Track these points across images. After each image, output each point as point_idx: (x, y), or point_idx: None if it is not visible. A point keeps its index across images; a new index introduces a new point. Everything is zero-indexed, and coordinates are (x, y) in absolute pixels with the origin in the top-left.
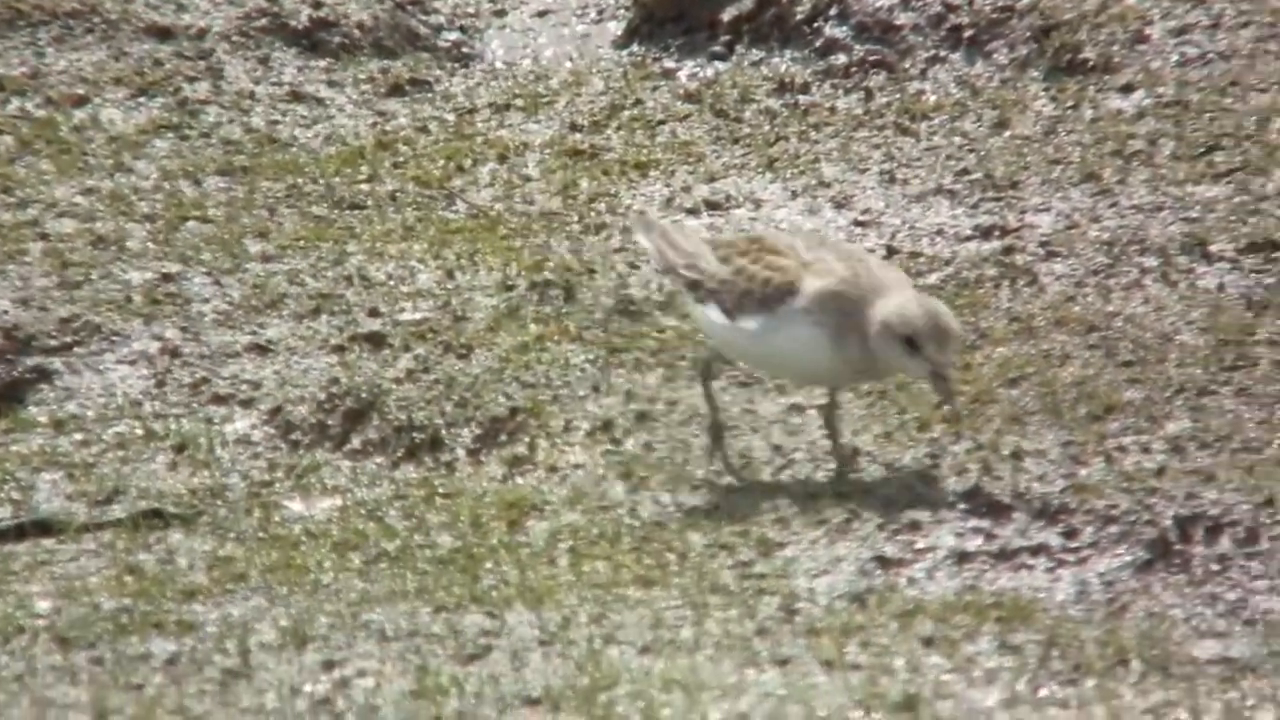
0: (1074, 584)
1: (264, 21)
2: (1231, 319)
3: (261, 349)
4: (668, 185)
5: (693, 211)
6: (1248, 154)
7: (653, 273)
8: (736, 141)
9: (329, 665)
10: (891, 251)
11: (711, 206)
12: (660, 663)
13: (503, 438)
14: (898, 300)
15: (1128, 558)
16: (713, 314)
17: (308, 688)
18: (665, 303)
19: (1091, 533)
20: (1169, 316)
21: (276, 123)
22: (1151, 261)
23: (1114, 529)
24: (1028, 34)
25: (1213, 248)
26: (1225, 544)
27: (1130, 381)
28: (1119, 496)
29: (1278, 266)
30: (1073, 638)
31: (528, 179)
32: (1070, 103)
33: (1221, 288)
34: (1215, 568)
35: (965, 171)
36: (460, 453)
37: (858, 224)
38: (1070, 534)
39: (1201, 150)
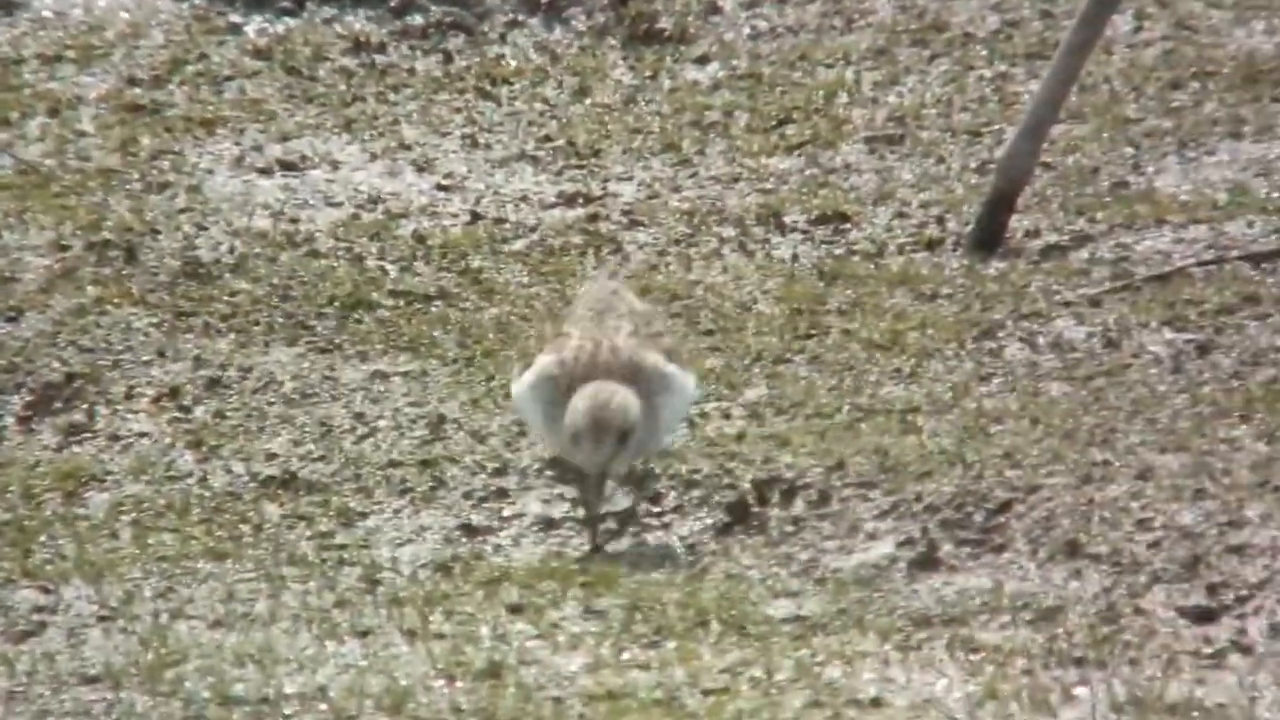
0: (658, 548)
1: None
2: (805, 289)
3: None
4: (238, 144)
5: (265, 171)
6: (817, 128)
7: (222, 234)
8: (311, 100)
9: None
10: (476, 218)
11: (286, 166)
12: (233, 637)
13: (58, 405)
14: (580, 392)
15: (709, 521)
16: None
17: None
18: (237, 265)
19: (675, 497)
20: (747, 286)
21: None
22: (730, 231)
23: (696, 493)
24: (605, 1)
25: (786, 219)
26: (799, 506)
27: (712, 350)
28: (701, 461)
29: (846, 237)
30: (655, 601)
31: (82, 134)
32: (649, 72)
33: (795, 258)
34: (790, 529)
35: (548, 138)
36: (9, 420)
37: (441, 188)
38: (654, 498)
39: (774, 123)
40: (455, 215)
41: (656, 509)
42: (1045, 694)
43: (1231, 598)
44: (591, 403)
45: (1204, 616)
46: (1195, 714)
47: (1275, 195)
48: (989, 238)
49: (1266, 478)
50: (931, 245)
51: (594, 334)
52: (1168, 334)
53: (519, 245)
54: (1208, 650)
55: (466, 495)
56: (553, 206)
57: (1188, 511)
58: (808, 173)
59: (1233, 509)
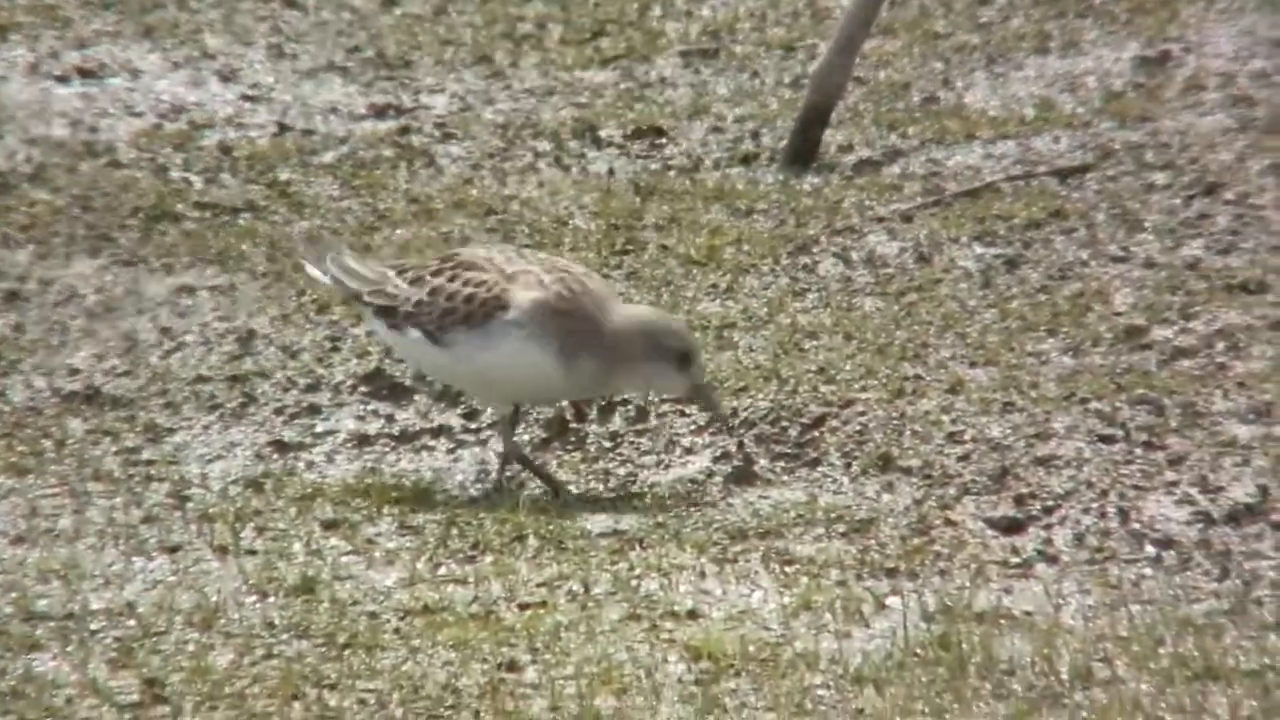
0: (475, 464)
1: None
2: (621, 204)
3: None
4: (33, 50)
5: (63, 79)
6: (631, 41)
7: (18, 143)
8: (108, 7)
9: None
10: (284, 129)
11: (84, 74)
12: (36, 553)
13: None
14: (648, 315)
15: (525, 437)
16: (413, 338)
17: None
18: (34, 175)
19: (491, 414)
20: (563, 200)
21: None
22: (545, 145)
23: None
24: None
25: (602, 133)
26: (617, 422)
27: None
28: None
29: (662, 152)
30: (472, 517)
31: None
32: None
33: (611, 172)
34: (608, 445)
35: (357, 49)
36: None
37: (246, 98)
38: (471, 415)
39: (588, 36)
40: (262, 126)
41: (474, 426)
42: (858, 604)
43: (1038, 508)
44: (680, 324)
45: (1012, 527)
46: (1003, 622)
47: (1081, 110)
48: (803, 153)
49: (1072, 390)
50: (747, 160)
51: (550, 270)
52: (977, 249)
53: (329, 158)
54: (1015, 560)
55: (278, 411)
56: (363, 119)
57: (996, 424)
58: (623, 86)
59: (1040, 421)
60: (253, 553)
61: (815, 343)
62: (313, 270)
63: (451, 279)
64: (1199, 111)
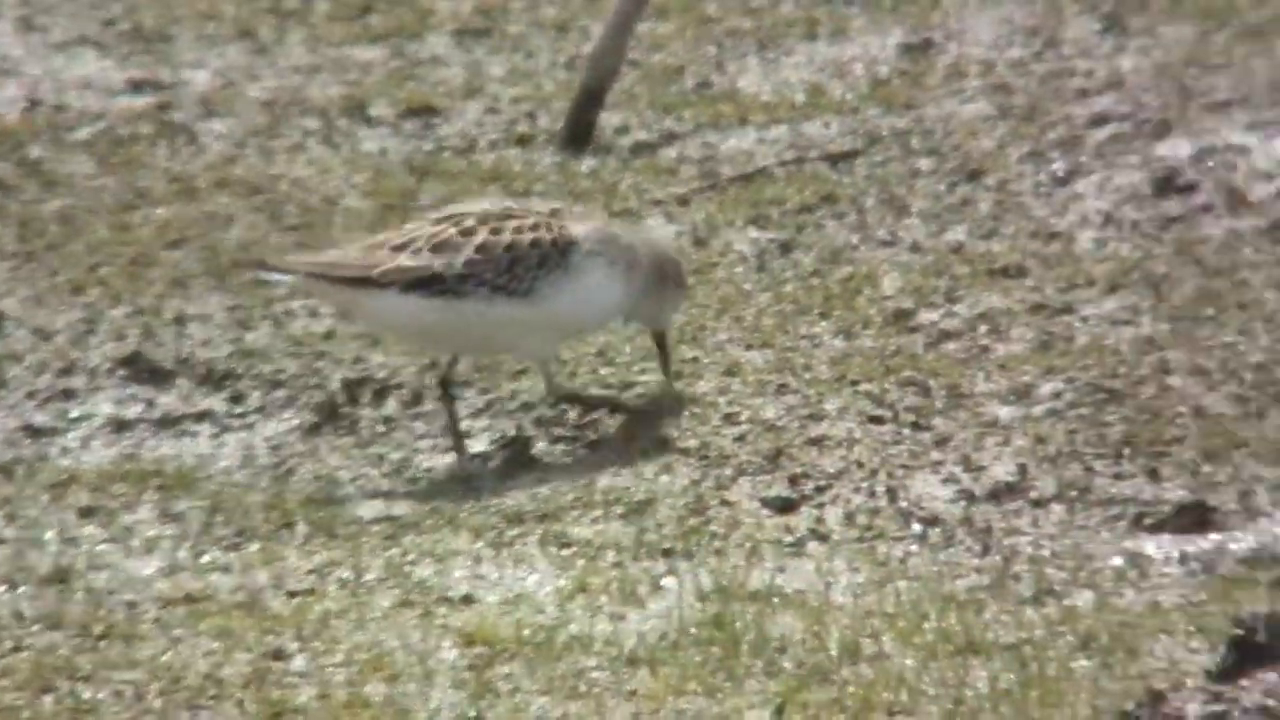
0: (240, 449)
1: None
2: (395, 183)
3: None
4: None
5: None
6: (401, 18)
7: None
8: None
9: None
10: (34, 104)
11: None
12: None
13: None
14: (662, 243)
15: (295, 422)
16: (476, 298)
17: None
18: None
19: (259, 398)
20: (333, 179)
21: None
22: (313, 124)
23: (281, 393)
24: None
25: (373, 111)
26: (392, 406)
27: (296, 245)
28: (287, 361)
29: (435, 132)
30: (238, 503)
31: None
32: None
33: (384, 151)
34: (381, 429)
35: (112, 22)
36: None
37: None
38: (237, 399)
39: (356, 12)
40: (11, 102)
41: (239, 410)
42: (634, 585)
43: (811, 488)
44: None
45: (785, 506)
46: (776, 600)
47: (850, 96)
48: (580, 134)
49: (844, 372)
50: (523, 141)
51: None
52: (752, 232)
53: (83, 134)
54: (788, 539)
55: (30, 395)
56: (120, 94)
57: (771, 406)
58: (393, 64)
59: (813, 403)
60: (3, 541)
61: None
62: (271, 275)
63: (495, 231)
64: (961, 99)
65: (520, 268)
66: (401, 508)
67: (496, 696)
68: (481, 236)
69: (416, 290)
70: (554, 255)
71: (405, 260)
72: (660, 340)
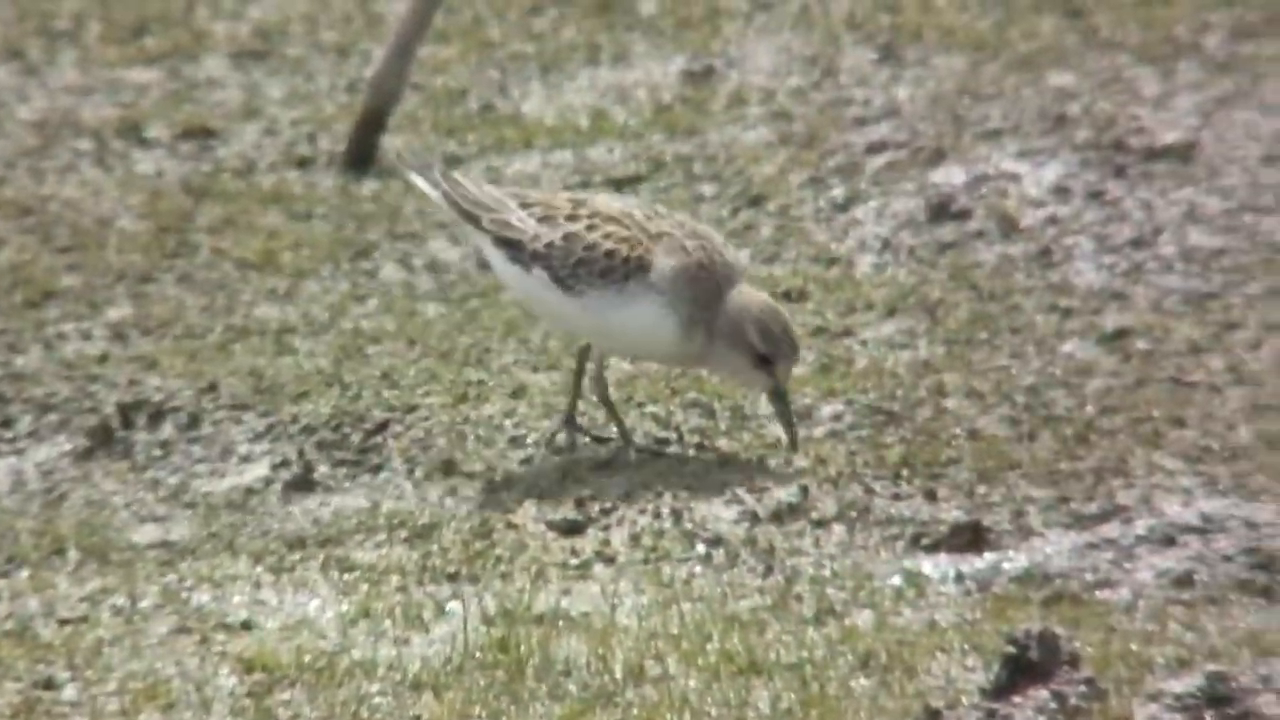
0: (9, 475)
1: None
2: (171, 205)
3: None
4: None
5: None
6: (178, 39)
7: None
8: None
9: None
10: None
11: None
12: None
13: None
14: (756, 306)
15: (67, 446)
16: (537, 277)
17: None
18: None
19: (29, 422)
20: (107, 201)
21: None
22: (86, 145)
23: (53, 417)
24: None
25: (148, 133)
26: (168, 429)
27: (69, 267)
28: (59, 384)
29: (213, 154)
30: (7, 529)
31: None
32: None
33: (160, 173)
34: (158, 453)
35: None
36: None
37: None
38: (6, 423)
39: (130, 34)
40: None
41: (9, 434)
42: (418, 609)
43: (597, 510)
44: (788, 321)
45: (571, 529)
46: (561, 622)
47: (633, 121)
48: (362, 157)
49: (630, 394)
50: (303, 163)
51: (692, 236)
52: None
53: None
54: (574, 561)
55: None
56: None
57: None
58: (169, 86)
59: (599, 425)
60: None
61: (378, 348)
62: (419, 180)
63: (590, 228)
64: (743, 125)
65: (583, 269)
66: (178, 532)
67: None
68: (575, 227)
69: (504, 248)
70: (617, 272)
71: (511, 219)
72: (774, 400)
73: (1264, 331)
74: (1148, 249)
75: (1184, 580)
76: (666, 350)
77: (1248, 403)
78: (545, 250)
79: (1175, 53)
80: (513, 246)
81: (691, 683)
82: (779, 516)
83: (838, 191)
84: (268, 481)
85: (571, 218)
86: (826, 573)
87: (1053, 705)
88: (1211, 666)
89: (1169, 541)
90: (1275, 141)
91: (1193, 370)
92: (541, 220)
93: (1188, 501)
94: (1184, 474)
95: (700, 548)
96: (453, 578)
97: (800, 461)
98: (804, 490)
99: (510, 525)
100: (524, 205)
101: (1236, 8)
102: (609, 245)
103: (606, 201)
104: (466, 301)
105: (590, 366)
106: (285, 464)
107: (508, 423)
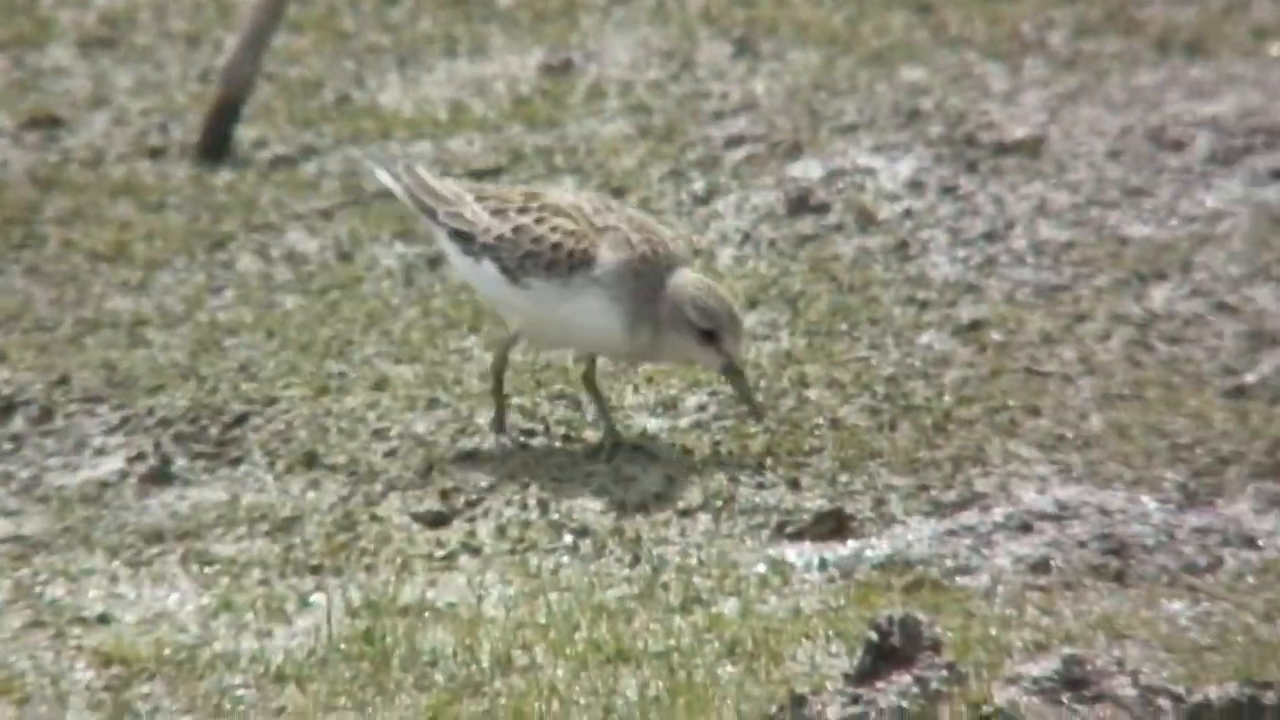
0: None
1: None
2: (17, 196)
3: None
4: None
5: None
6: (21, 27)
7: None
8: None
9: None
10: None
11: None
12: None
13: None
14: (692, 285)
15: None
16: (488, 270)
17: None
18: None
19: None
20: None
21: None
22: None
23: None
24: None
25: None
26: (19, 423)
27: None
28: None
29: (60, 144)
30: None
31: None
32: None
33: (4, 164)
34: (9, 447)
35: None
36: None
37: None
38: None
39: None
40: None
41: None
42: (281, 602)
43: (463, 502)
44: (728, 297)
45: (437, 521)
46: (427, 614)
47: (492, 114)
48: (215, 147)
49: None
50: (155, 153)
51: (639, 229)
52: (399, 247)
53: None
54: (440, 553)
55: None
56: None
57: (422, 420)
58: (14, 75)
59: (464, 417)
60: None
61: (235, 340)
62: (383, 175)
63: (538, 221)
64: (602, 118)
65: (530, 261)
66: (32, 526)
67: (135, 717)
68: (524, 220)
69: (457, 241)
70: (562, 265)
71: (465, 212)
72: (729, 376)
73: (1112, 322)
74: (1000, 242)
75: (1040, 566)
76: (613, 343)
77: (1099, 392)
78: (495, 242)
79: (1021, 49)
80: (464, 239)
81: (559, 672)
82: (645, 506)
83: (698, 184)
84: (123, 475)
85: (522, 210)
86: (693, 561)
87: (915, 690)
88: (1067, 650)
89: (1026, 528)
90: (1119, 137)
91: (1046, 360)
92: (494, 213)
93: (1043, 489)
94: (1039, 462)
95: (567, 538)
96: (316, 570)
97: (668, 450)
98: (669, 480)
99: (375, 518)
100: (479, 198)
101: (1079, 5)
102: (555, 238)
103: (559, 195)
104: (326, 293)
105: (500, 349)
106: (141, 457)
107: (371, 415)
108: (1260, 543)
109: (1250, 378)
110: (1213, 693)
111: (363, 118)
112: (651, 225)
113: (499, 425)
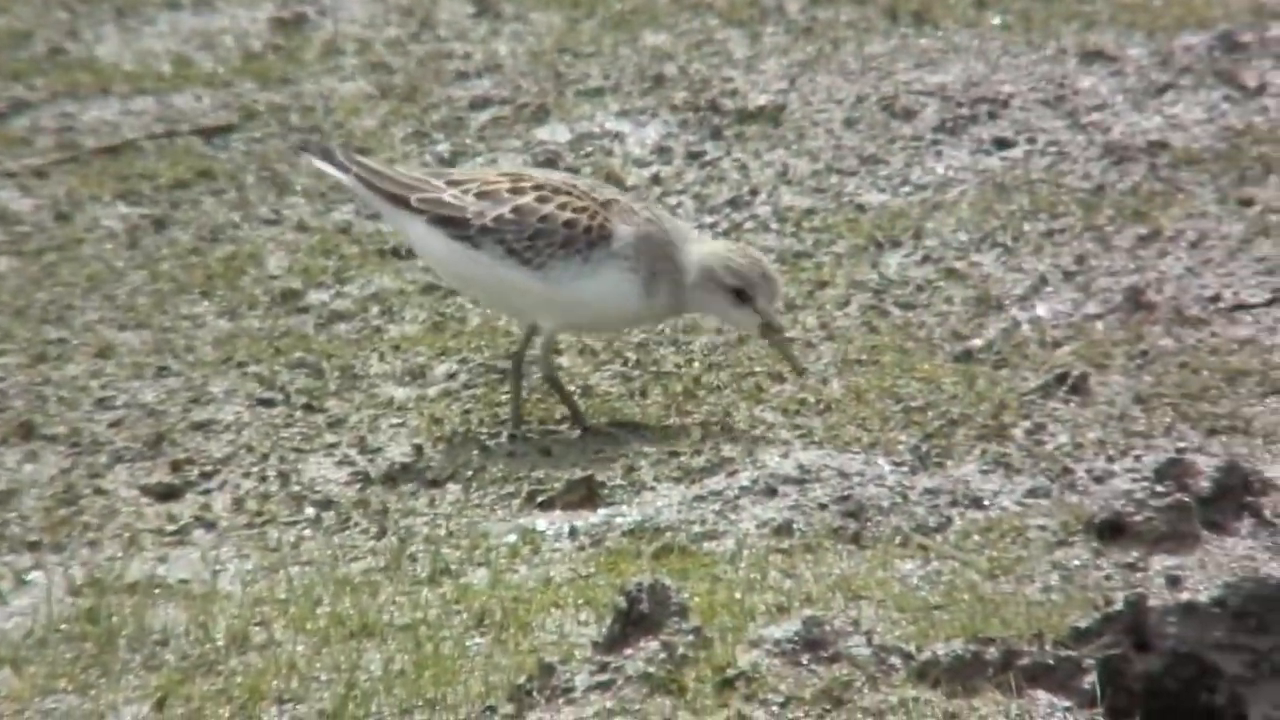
0: None
1: None
2: None
3: None
4: None
5: None
6: None
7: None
8: None
9: None
10: None
11: None
12: None
13: None
14: (718, 249)
15: None
16: (490, 253)
17: None
18: None
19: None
20: None
21: None
22: None
23: None
24: None
25: None
26: None
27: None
28: None
29: None
30: None
31: None
32: None
33: None
34: None
35: None
36: None
37: None
38: None
39: None
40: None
41: None
42: None
43: (196, 474)
44: (759, 255)
45: (168, 494)
46: (157, 591)
47: (220, 69)
48: None
49: (230, 354)
50: None
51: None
52: (122, 208)
53: None
54: (171, 527)
55: None
56: None
57: (150, 389)
58: None
59: (197, 385)
60: None
61: None
62: (325, 167)
63: (541, 200)
64: (339, 76)
65: (542, 241)
66: None
67: None
68: (524, 200)
69: (443, 227)
70: (580, 242)
71: (444, 197)
72: (768, 336)
73: (851, 289)
74: (745, 209)
75: (783, 529)
76: (633, 313)
77: (839, 357)
78: (495, 225)
79: (761, 16)
80: (454, 224)
81: (299, 648)
82: (392, 477)
83: (443, 146)
84: None
85: (516, 191)
86: (441, 532)
87: (662, 655)
88: (808, 612)
89: (770, 492)
90: (855, 105)
91: (789, 327)
92: (481, 196)
93: (786, 453)
94: (783, 427)
95: (309, 510)
96: (34, 547)
97: (414, 420)
98: (418, 449)
99: (99, 491)
100: (452, 183)
101: None
102: (567, 215)
103: (544, 174)
104: (43, 255)
105: (540, 343)
106: None
107: (94, 384)
108: (985, 503)
109: (976, 342)
110: (940, 649)
111: (78, 70)
112: (638, 195)
113: (578, 418)
